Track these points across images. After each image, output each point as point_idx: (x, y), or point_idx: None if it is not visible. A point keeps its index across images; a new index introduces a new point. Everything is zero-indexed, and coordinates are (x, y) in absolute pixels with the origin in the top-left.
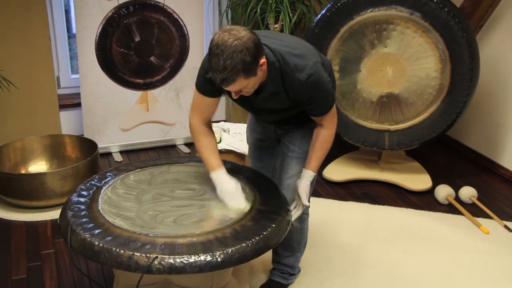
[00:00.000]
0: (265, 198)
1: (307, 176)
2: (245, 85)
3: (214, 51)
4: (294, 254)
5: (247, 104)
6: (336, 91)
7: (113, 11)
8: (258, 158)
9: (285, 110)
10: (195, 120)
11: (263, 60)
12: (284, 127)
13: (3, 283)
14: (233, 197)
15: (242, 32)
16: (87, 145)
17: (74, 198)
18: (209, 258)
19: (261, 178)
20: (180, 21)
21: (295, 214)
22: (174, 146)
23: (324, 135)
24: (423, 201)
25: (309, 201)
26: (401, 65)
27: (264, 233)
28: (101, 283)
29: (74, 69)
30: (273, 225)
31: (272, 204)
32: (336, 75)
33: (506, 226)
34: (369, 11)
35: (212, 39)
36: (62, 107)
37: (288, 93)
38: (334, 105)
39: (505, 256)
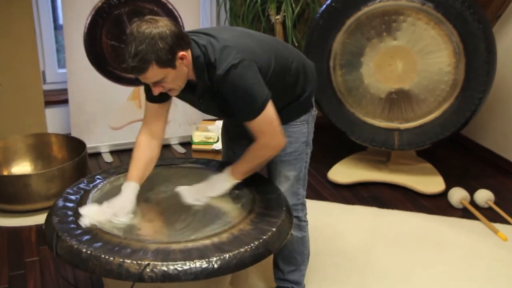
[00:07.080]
0: (265, 201)
1: (226, 178)
2: (161, 77)
3: (128, 38)
4: (298, 268)
5: (197, 106)
6: (342, 87)
7: (103, 0)
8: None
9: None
10: (140, 131)
11: (182, 52)
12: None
13: None
14: (116, 212)
15: (160, 22)
16: (74, 145)
17: (60, 203)
18: (205, 264)
19: (261, 179)
20: (175, 12)
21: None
22: (168, 146)
23: (254, 146)
24: (435, 205)
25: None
26: (412, 59)
27: (264, 237)
28: None
29: (61, 63)
30: (274, 229)
31: (272, 207)
32: (342, 70)
33: None
34: (377, 1)
35: (129, 27)
36: (48, 103)
37: (215, 90)
38: (268, 119)
39: None
